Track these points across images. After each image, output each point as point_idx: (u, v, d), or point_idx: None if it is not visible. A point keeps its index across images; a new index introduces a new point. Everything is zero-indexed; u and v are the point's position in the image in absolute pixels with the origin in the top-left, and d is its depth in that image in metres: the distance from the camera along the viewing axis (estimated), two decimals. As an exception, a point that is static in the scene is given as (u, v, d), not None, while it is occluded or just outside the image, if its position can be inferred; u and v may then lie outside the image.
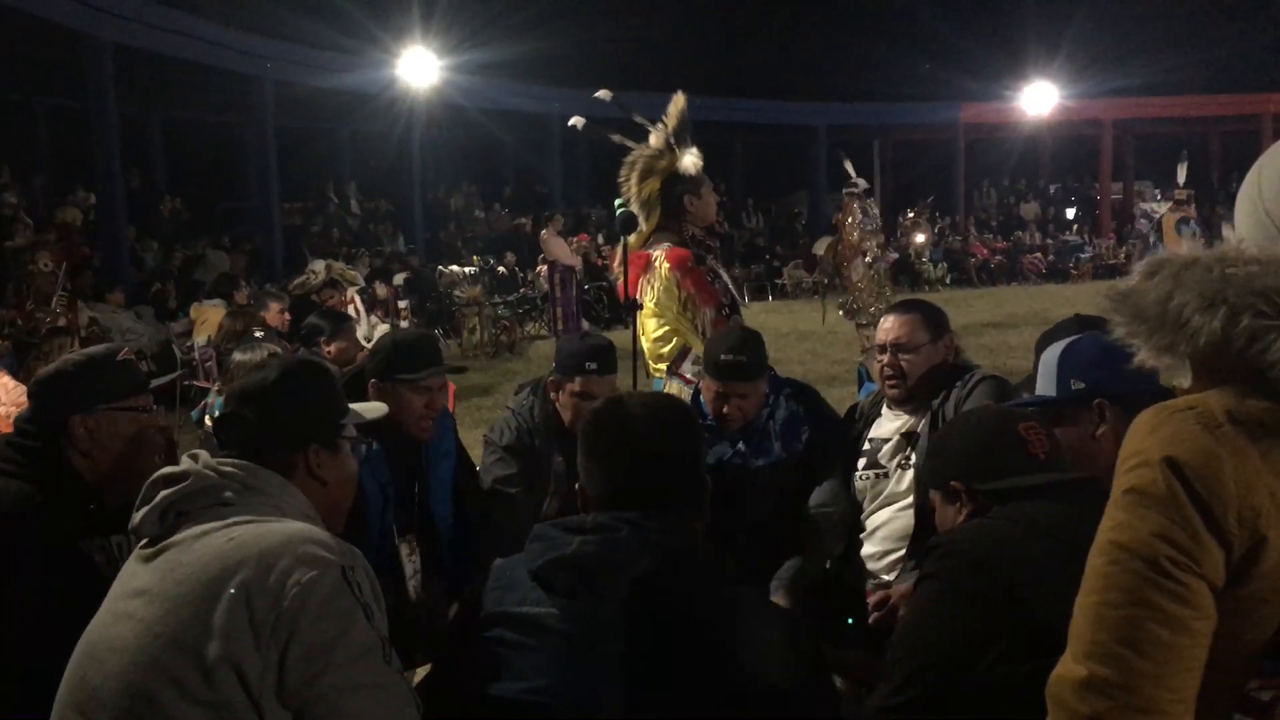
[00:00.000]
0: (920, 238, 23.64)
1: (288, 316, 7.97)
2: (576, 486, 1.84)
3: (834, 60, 29.38)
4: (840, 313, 10.88)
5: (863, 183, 12.18)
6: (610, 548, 1.65)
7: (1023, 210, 29.13)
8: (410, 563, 3.04)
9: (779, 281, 23.02)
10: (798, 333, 14.77)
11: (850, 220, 11.84)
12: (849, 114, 28.81)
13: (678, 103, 4.60)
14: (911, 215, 18.03)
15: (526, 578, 1.68)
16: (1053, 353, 2.40)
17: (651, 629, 1.61)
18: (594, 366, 3.39)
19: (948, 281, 22.74)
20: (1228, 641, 1.09)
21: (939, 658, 1.73)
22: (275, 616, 1.54)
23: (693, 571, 1.68)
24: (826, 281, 14.27)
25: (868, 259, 11.26)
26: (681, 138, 4.58)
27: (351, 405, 1.99)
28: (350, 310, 8.10)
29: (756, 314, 18.00)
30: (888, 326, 3.26)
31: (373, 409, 2.23)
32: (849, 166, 12.11)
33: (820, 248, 17.69)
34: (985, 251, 25.59)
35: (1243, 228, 1.19)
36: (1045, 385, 2.40)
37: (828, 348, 12.44)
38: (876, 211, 12.02)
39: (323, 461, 1.85)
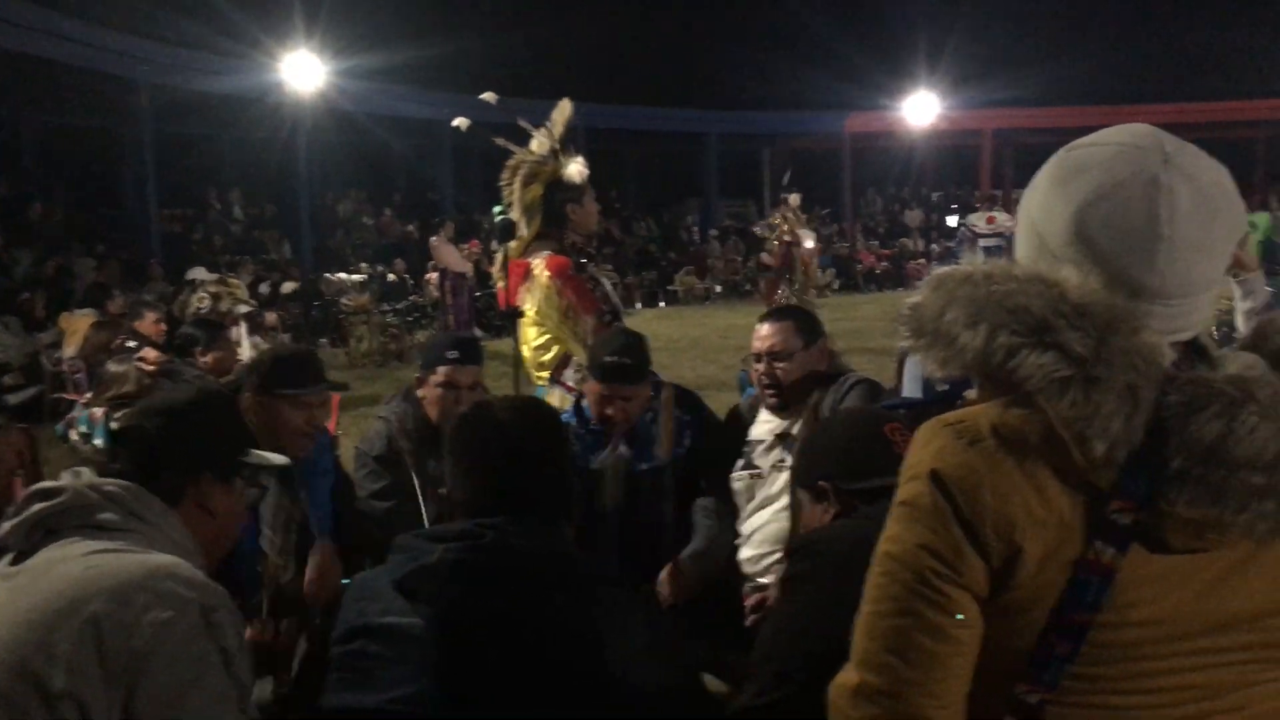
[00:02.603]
0: (809, 244, 24.10)
1: (163, 326, 7.73)
2: (442, 492, 1.83)
3: (724, 68, 29.73)
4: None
5: (794, 199, 13.06)
6: (475, 554, 1.65)
7: (907, 217, 29.86)
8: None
9: (670, 288, 23.17)
10: (689, 339, 14.88)
11: (783, 226, 12.67)
12: (739, 122, 29.21)
13: (563, 109, 4.60)
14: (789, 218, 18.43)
15: (389, 588, 1.67)
16: None
17: (518, 634, 1.61)
18: (455, 355, 3.41)
19: (835, 287, 23.15)
20: (996, 647, 1.13)
21: (803, 659, 1.75)
22: (127, 654, 1.48)
23: (560, 575, 1.69)
24: (792, 282, 14.96)
25: (800, 263, 12.03)
26: (567, 145, 4.59)
27: (256, 451, 1.95)
28: (234, 333, 7.86)
29: (648, 320, 18.07)
30: (763, 335, 3.32)
31: (276, 458, 2.16)
32: (786, 178, 12.83)
33: (771, 259, 18.49)
34: (871, 258, 26.13)
35: (1018, 243, 1.24)
36: (912, 388, 2.47)
37: (719, 353, 12.56)
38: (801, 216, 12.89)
39: (213, 492, 1.80)
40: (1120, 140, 1.18)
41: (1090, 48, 30.86)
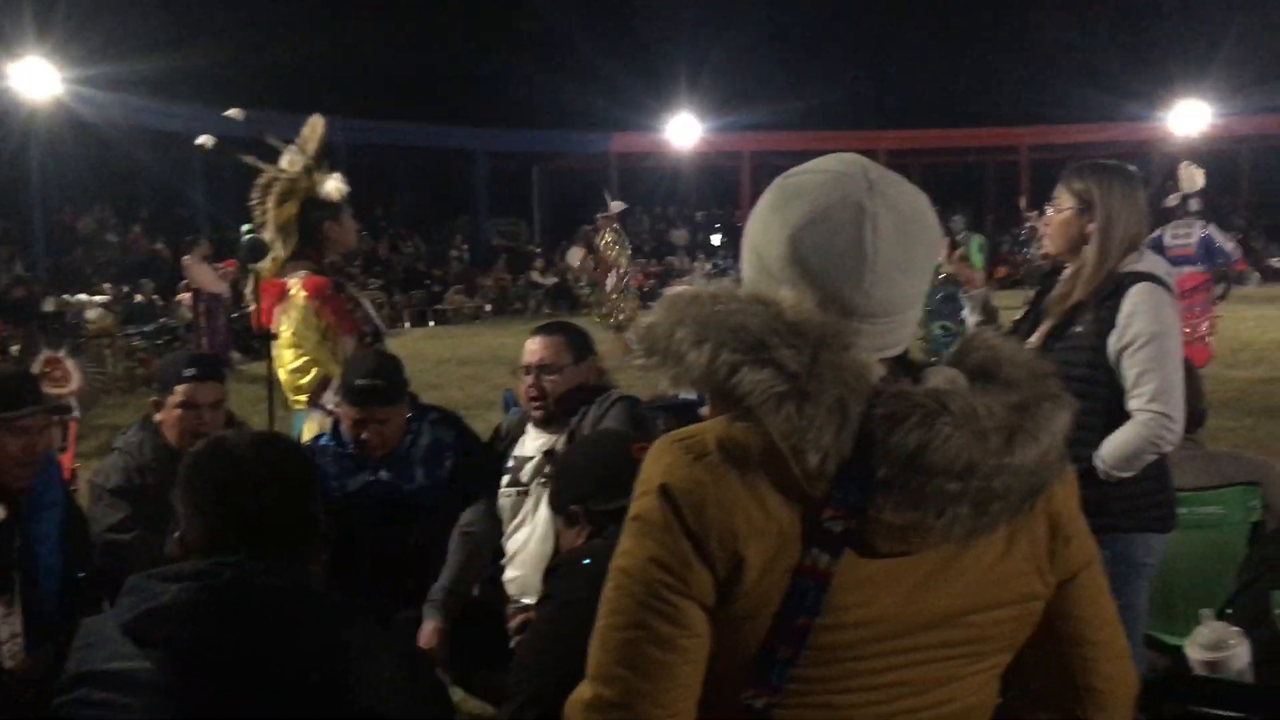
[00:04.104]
0: (576, 263, 24.32)
1: None
2: (175, 535, 1.73)
3: (492, 86, 29.69)
4: (604, 324, 11.49)
5: (616, 206, 13.38)
6: (211, 594, 1.57)
7: (673, 236, 30.59)
8: (7, 625, 2.75)
9: (440, 307, 22.87)
10: (458, 358, 14.72)
11: (606, 240, 13.13)
12: (508, 140, 29.19)
13: (315, 125, 4.46)
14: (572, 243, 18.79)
15: (117, 633, 1.56)
16: None
17: (257, 676, 1.54)
18: (194, 373, 3.27)
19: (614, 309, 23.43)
20: (724, 655, 1.17)
21: (558, 679, 1.75)
22: None
23: (304, 612, 1.62)
24: (588, 292, 15.45)
25: (621, 273, 12.65)
26: (322, 161, 4.45)
27: None
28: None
29: (417, 340, 17.79)
30: (533, 349, 3.32)
31: None
32: (607, 195, 13.52)
33: (575, 258, 18.59)
34: (640, 276, 26.62)
35: (743, 265, 1.29)
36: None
37: (489, 372, 12.47)
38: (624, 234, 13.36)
39: None
40: (830, 168, 1.25)
41: (841, 75, 32.65)
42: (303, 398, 4.17)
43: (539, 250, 27.60)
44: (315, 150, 4.40)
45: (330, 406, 4.04)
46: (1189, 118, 29.69)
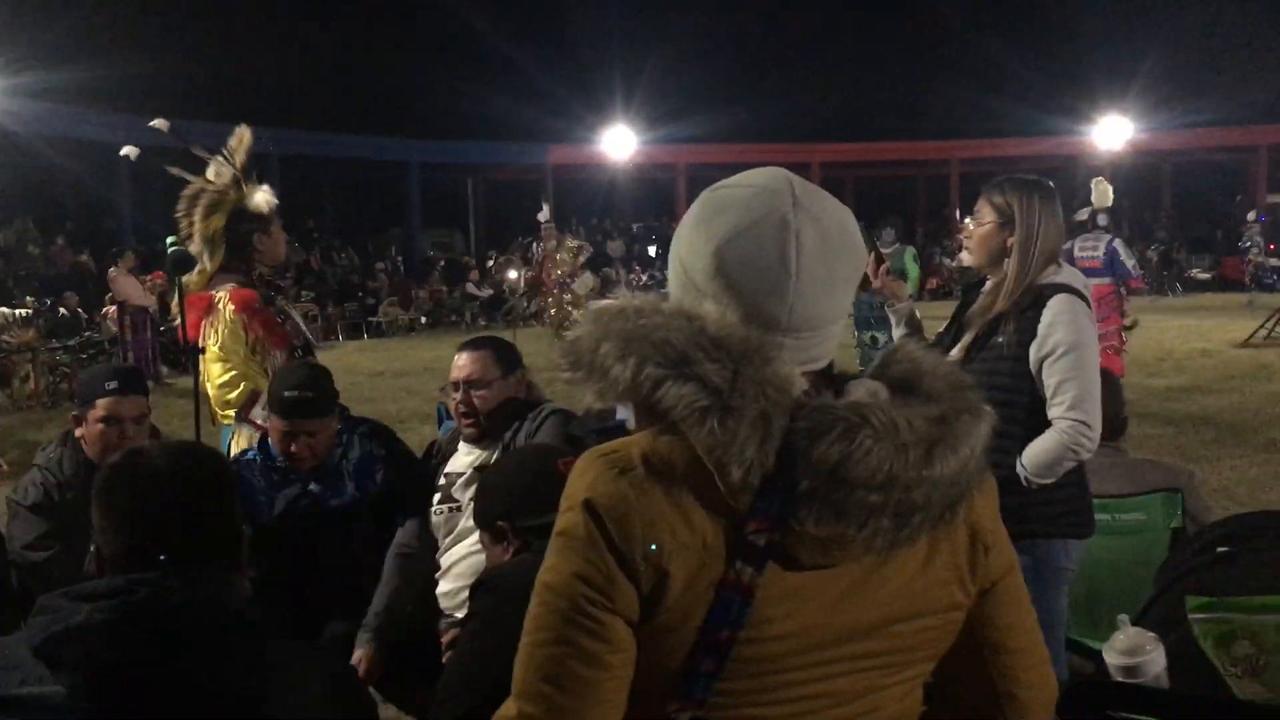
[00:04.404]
0: (513, 274, 24.24)
1: None
2: (93, 548, 1.68)
3: (426, 98, 29.52)
4: (555, 335, 11.59)
5: (543, 216, 13.74)
6: (127, 612, 1.53)
7: (610, 248, 30.60)
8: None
9: (374, 319, 22.64)
10: (392, 371, 14.58)
11: (549, 248, 13.65)
12: (441, 152, 29.03)
13: (243, 136, 4.40)
14: (508, 254, 18.82)
15: (28, 655, 1.51)
16: None
17: (175, 695, 1.50)
18: (116, 385, 3.21)
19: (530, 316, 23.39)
20: (649, 669, 1.17)
21: (484, 698, 1.74)
22: None
23: (223, 629, 1.59)
24: (526, 305, 15.67)
25: (566, 281, 13.12)
26: (250, 172, 4.39)
27: None
28: None
29: (350, 353, 17.60)
30: (460, 364, 3.30)
31: None
32: (546, 205, 13.95)
33: (507, 269, 18.62)
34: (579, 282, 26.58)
35: (670, 278, 1.30)
36: (624, 410, 2.51)
37: (423, 385, 12.36)
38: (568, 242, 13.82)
39: None
40: (756, 183, 1.25)
41: (776, 89, 32.98)
42: (231, 412, 4.11)
43: (474, 262, 27.44)
44: (243, 161, 4.34)
45: (259, 421, 3.99)
46: (1112, 132, 30.45)
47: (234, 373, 4.09)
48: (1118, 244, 9.01)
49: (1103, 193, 9.28)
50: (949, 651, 1.28)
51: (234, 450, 3.95)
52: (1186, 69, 30.53)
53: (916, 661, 1.26)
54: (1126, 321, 8.91)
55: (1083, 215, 9.36)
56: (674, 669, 1.16)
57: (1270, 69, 29.61)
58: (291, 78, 27.02)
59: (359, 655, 3.14)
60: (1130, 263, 9.14)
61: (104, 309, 15.70)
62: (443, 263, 27.06)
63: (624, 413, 2.55)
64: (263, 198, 4.33)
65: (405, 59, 29.86)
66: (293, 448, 3.31)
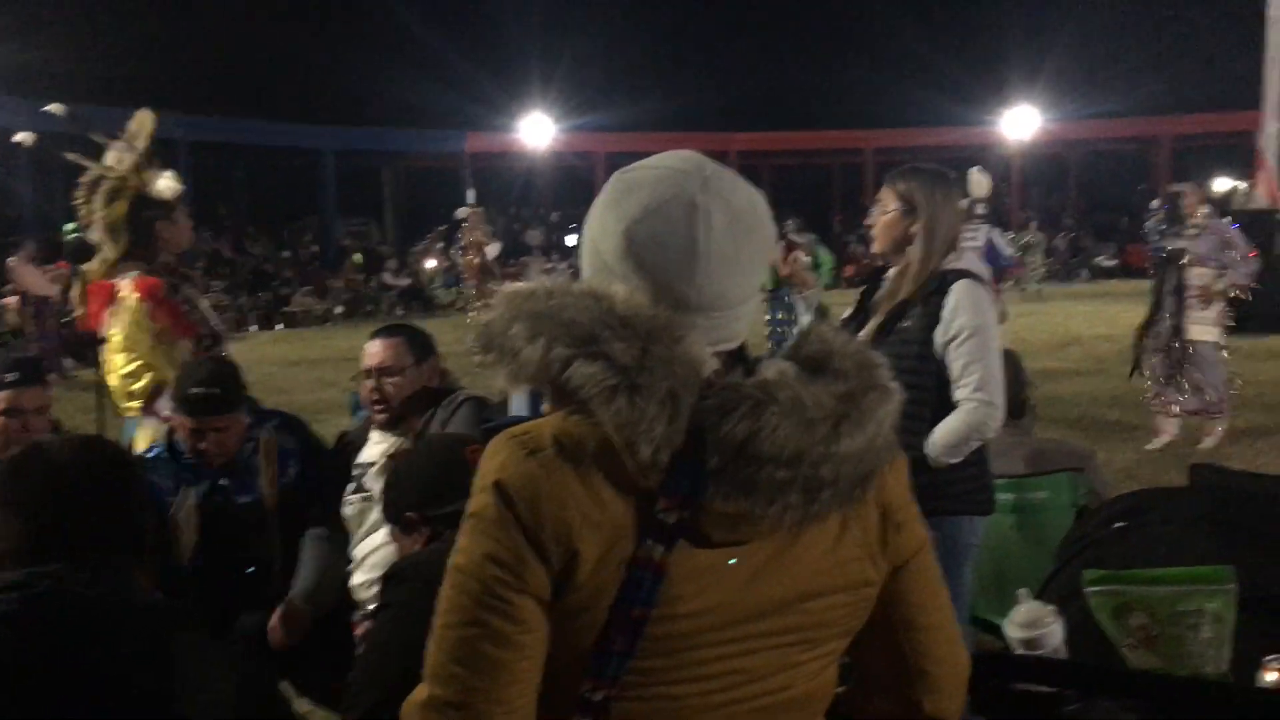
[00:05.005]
0: (431, 264, 24.03)
1: None
2: None
3: (341, 83, 29.06)
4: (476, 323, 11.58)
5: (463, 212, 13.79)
6: (26, 606, 1.49)
7: (529, 237, 30.47)
8: None
9: (288, 309, 22.25)
10: (308, 361, 14.34)
11: (474, 236, 14.02)
12: (357, 139, 28.61)
13: (144, 121, 4.29)
14: (426, 243, 18.67)
15: (-80, 653, 1.46)
16: None
17: (77, 689, 1.47)
18: (15, 377, 3.16)
19: (463, 306, 23.25)
20: (561, 649, 1.18)
21: (397, 690, 1.72)
22: None
23: (125, 623, 1.55)
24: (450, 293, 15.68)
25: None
26: (153, 158, 4.29)
27: None
28: None
29: (263, 343, 17.26)
30: (372, 351, 3.27)
31: None
32: (470, 194, 14.10)
33: (425, 257, 18.56)
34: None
35: (583, 260, 1.30)
36: (519, 405, 2.51)
37: (340, 375, 12.15)
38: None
39: None
40: (666, 164, 1.26)
41: (694, 78, 33.11)
42: (135, 404, 4.01)
43: (392, 251, 27.13)
44: (144, 146, 4.24)
45: (165, 413, 3.90)
46: (1021, 123, 31.14)
47: (138, 363, 3.99)
48: (995, 234, 9.24)
49: (978, 183, 9.50)
50: (863, 629, 1.30)
51: (139, 443, 3.86)
52: (1093, 62, 31.40)
53: (829, 638, 1.27)
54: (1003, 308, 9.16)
55: (962, 205, 9.56)
56: (587, 648, 1.16)
57: (1172, 62, 30.60)
58: (201, 62, 26.40)
59: (278, 613, 3.10)
60: (1008, 252, 9.38)
61: (4, 299, 15.22)
62: (360, 252, 26.70)
63: (519, 407, 2.55)
64: (166, 184, 4.24)
65: (320, 44, 29.38)
66: (201, 445, 3.26)
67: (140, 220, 4.18)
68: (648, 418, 1.13)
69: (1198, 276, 7.45)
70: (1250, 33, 16.71)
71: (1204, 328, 7.49)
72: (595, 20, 33.28)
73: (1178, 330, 7.52)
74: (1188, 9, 31.47)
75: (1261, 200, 15.67)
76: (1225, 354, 7.65)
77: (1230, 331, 8.12)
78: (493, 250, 14.76)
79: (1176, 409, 7.60)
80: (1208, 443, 7.49)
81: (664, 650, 1.18)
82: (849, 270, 25.20)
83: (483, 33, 32.24)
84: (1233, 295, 7.57)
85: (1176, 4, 31.59)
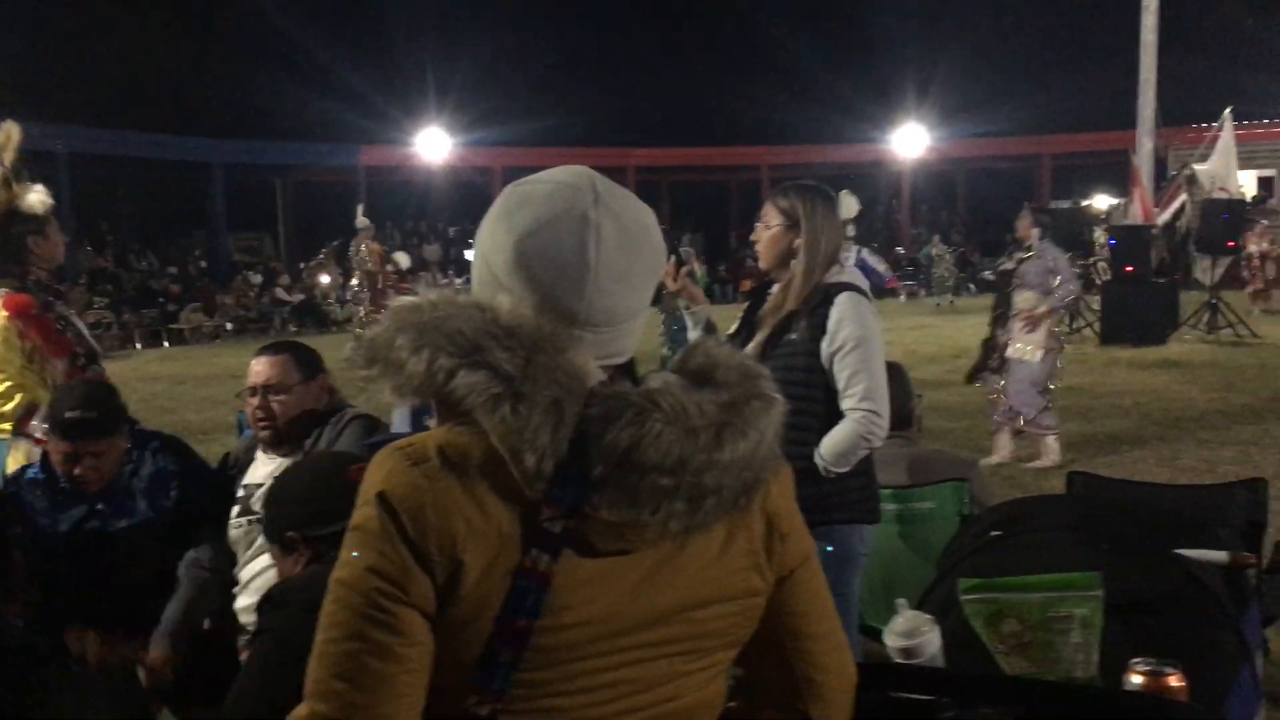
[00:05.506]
0: (325, 279, 23.61)
1: None
2: None
3: (231, 95, 28.46)
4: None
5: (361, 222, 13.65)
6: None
7: (426, 252, 30.18)
8: None
9: (176, 326, 21.64)
10: (196, 379, 13.97)
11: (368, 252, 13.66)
12: (247, 152, 28.02)
13: (10, 133, 4.12)
14: (320, 258, 18.35)
15: None
16: None
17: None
18: None
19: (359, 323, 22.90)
20: (447, 662, 1.16)
21: (273, 713, 1.68)
22: None
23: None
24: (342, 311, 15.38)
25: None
26: (20, 171, 4.13)
27: None
28: None
29: (149, 362, 16.76)
30: (257, 369, 3.21)
31: None
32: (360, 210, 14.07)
33: (319, 272, 18.18)
34: (393, 292, 26.10)
35: (473, 272, 1.30)
36: (400, 423, 2.49)
37: (229, 394, 11.87)
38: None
39: None
40: (558, 179, 1.27)
41: (593, 93, 33.24)
42: (6, 426, 3.85)
43: (284, 266, 26.60)
44: (12, 159, 4.08)
45: (39, 435, 3.75)
46: (910, 140, 31.98)
47: (9, 383, 3.84)
48: (866, 253, 9.48)
49: (848, 205, 9.75)
50: (751, 640, 1.31)
51: (10, 465, 3.70)
52: (978, 83, 32.41)
53: (716, 649, 1.27)
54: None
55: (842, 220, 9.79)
56: (472, 661, 1.15)
57: (1052, 84, 31.78)
58: (83, 72, 25.57)
59: (154, 655, 3.00)
60: (881, 268, 9.62)
61: None
62: (250, 267, 26.12)
63: (400, 424, 2.52)
64: (36, 198, 4.09)
65: (210, 55, 28.72)
66: (77, 470, 3.15)
67: (9, 236, 4.02)
68: (532, 426, 1.13)
69: (1023, 300, 7.62)
70: (1126, 56, 17.44)
71: (1023, 348, 7.63)
72: (493, 35, 33.22)
73: (1003, 349, 7.73)
74: (1067, 33, 32.78)
75: (1137, 216, 16.34)
76: (1051, 382, 7.73)
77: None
78: (404, 260, 14.62)
79: (1005, 425, 7.76)
80: (1038, 463, 7.52)
81: (550, 661, 1.17)
82: (745, 285, 25.51)
83: (377, 46, 31.89)
84: (1053, 318, 7.70)
85: (1057, 28, 32.85)
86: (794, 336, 3.10)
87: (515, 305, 1.19)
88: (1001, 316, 7.82)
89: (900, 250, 31.55)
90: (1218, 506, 2.78)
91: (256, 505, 3.19)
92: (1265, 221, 20.34)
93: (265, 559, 3.15)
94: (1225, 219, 15.43)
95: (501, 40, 33.42)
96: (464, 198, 32.96)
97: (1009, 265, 7.93)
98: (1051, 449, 7.58)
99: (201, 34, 29.38)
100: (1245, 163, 18.84)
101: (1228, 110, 16.55)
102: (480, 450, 1.16)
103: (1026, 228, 7.79)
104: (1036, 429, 7.64)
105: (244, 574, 3.18)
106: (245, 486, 3.24)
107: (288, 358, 3.23)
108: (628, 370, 1.28)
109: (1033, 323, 7.55)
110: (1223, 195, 15.85)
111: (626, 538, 1.18)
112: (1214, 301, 15.16)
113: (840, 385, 3.05)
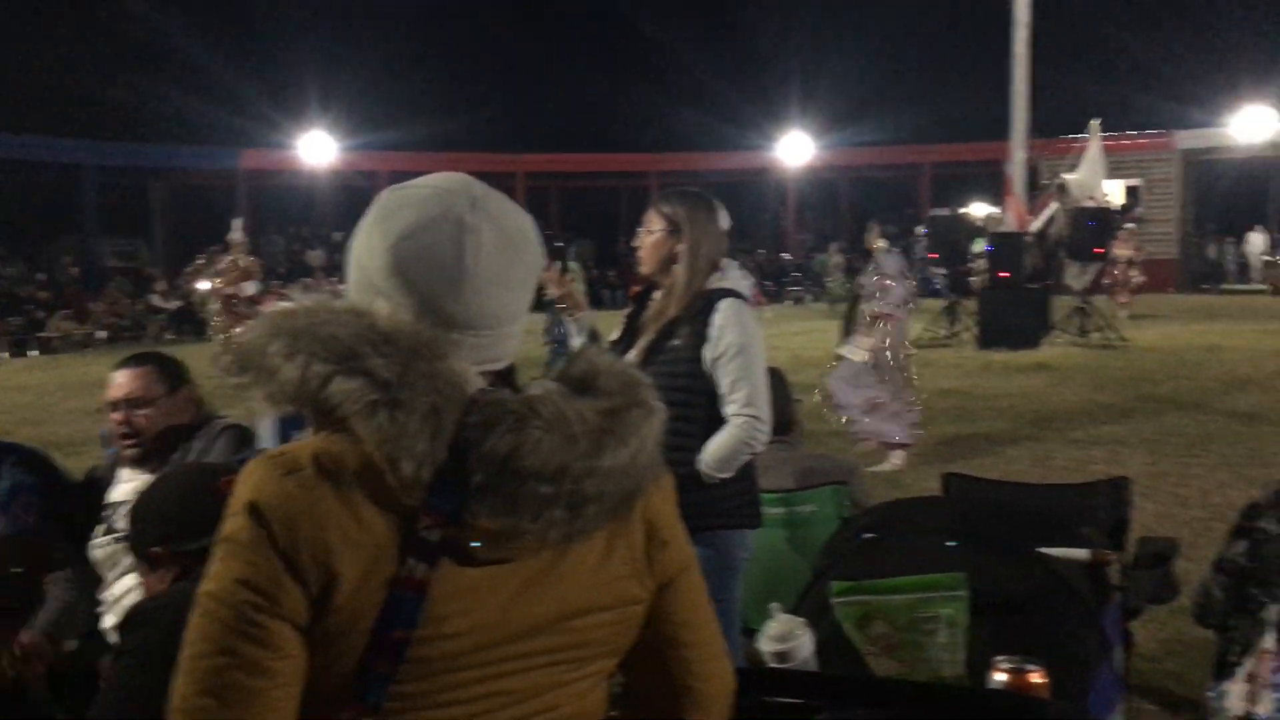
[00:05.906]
0: (204, 285, 22.93)
1: None
2: None
3: (103, 95, 27.50)
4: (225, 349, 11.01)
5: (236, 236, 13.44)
6: None
7: (309, 257, 29.57)
8: None
9: (44, 334, 20.80)
10: (65, 389, 13.44)
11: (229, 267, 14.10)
12: (121, 154, 27.12)
13: None
14: (199, 263, 17.94)
15: None
16: None
17: None
18: None
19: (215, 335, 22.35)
20: (321, 675, 1.14)
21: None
22: None
23: None
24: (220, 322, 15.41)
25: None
26: None
27: None
28: None
29: (16, 371, 16.09)
30: (119, 382, 3.10)
31: None
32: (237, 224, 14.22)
33: (197, 278, 17.87)
34: (274, 298, 25.49)
35: (349, 277, 1.28)
36: (267, 436, 2.42)
37: (100, 404, 11.48)
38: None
39: None
40: (435, 184, 1.26)
41: (483, 98, 33.04)
42: None
43: (160, 272, 25.76)
44: None
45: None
46: (795, 149, 32.57)
47: None
48: (732, 266, 9.65)
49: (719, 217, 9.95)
50: (631, 649, 1.30)
51: None
52: (861, 94, 33.22)
53: (596, 657, 1.27)
54: None
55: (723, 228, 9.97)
56: (347, 673, 1.13)
57: (932, 95, 32.76)
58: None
59: (28, 638, 2.91)
60: (746, 283, 9.81)
61: None
62: (124, 273, 25.24)
63: (267, 438, 2.46)
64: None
65: (81, 54, 27.70)
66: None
67: None
68: (409, 433, 1.11)
69: (868, 309, 7.90)
70: (1000, 69, 18.03)
71: (852, 349, 7.89)
72: (380, 38, 32.75)
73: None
74: (946, 46, 33.80)
75: (1011, 223, 16.89)
76: (876, 391, 7.87)
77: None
78: (249, 288, 14.27)
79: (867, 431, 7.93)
80: (882, 467, 7.56)
81: (427, 673, 1.15)
82: (635, 291, 25.60)
83: (260, 49, 31.19)
84: (889, 325, 7.90)
85: (936, 42, 33.87)
86: (676, 343, 3.11)
87: (393, 310, 1.18)
88: (848, 326, 8.06)
89: (787, 257, 32.07)
90: (1085, 505, 2.89)
91: (121, 524, 3.08)
92: (1132, 225, 21.24)
93: (131, 578, 3.04)
94: (1092, 226, 16.03)
95: (389, 43, 33.00)
96: (349, 202, 32.36)
97: (859, 278, 8.21)
98: (894, 456, 7.74)
99: (74, 34, 28.32)
100: (1113, 172, 19.59)
101: (1095, 121, 17.21)
102: (356, 459, 1.14)
103: (872, 239, 8.06)
104: (874, 434, 7.82)
105: (110, 594, 3.07)
106: (109, 504, 3.13)
107: (150, 369, 3.13)
108: (508, 377, 1.27)
109: (868, 328, 7.80)
110: (1091, 204, 16.47)
111: (506, 546, 1.17)
112: (1084, 306, 15.74)
113: (723, 391, 3.06)
